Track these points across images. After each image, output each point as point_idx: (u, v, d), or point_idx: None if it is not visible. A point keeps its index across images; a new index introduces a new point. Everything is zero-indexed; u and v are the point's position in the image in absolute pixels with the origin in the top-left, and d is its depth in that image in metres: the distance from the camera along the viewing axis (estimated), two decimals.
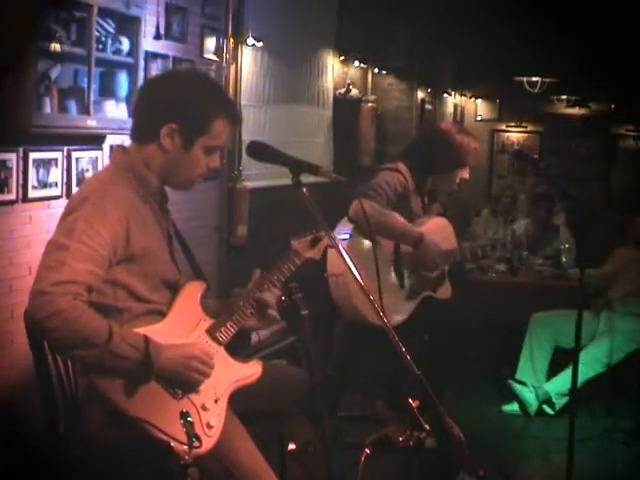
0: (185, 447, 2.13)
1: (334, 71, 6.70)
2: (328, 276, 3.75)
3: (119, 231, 2.24)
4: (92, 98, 3.41)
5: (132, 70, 3.69)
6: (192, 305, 2.43)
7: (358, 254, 3.51)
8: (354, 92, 7.00)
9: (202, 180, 2.48)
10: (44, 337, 2.19)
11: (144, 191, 2.38)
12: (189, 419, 2.18)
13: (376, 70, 7.69)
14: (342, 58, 6.78)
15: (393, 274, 3.87)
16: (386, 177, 3.84)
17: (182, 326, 2.38)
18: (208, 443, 2.26)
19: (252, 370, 2.49)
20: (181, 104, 2.35)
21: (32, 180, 3.26)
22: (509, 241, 5.08)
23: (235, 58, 4.93)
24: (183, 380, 2.26)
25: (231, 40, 4.82)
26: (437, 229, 4.03)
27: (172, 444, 2.16)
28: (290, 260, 2.61)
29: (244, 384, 2.44)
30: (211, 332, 2.42)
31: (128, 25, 3.65)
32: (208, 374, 2.31)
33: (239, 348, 2.52)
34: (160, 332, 2.28)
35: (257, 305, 2.51)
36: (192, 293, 2.45)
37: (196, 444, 2.14)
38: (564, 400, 4.83)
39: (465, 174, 3.98)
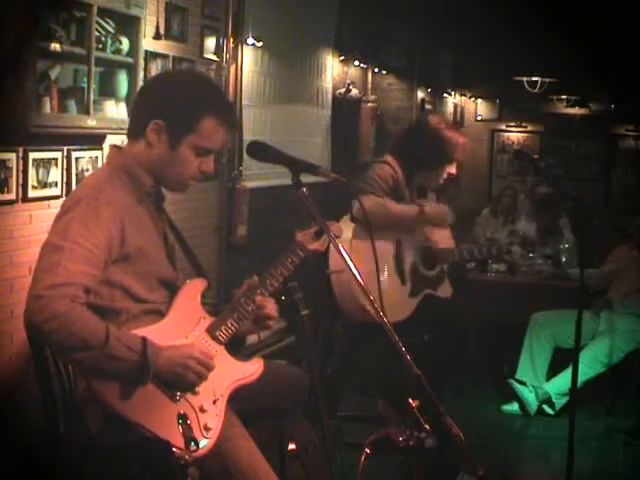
0: (182, 452, 2.12)
1: (334, 71, 6.70)
2: (330, 273, 3.75)
3: (113, 231, 2.23)
4: (92, 98, 3.41)
5: (132, 70, 3.69)
6: (192, 303, 2.42)
7: (359, 252, 3.52)
8: (354, 92, 7.00)
9: (194, 182, 2.45)
10: (42, 339, 2.19)
11: (138, 190, 2.37)
12: (187, 422, 2.17)
13: (376, 70, 7.69)
14: (342, 58, 6.78)
15: (395, 271, 3.87)
16: (377, 170, 3.86)
17: (182, 325, 2.37)
18: (206, 445, 2.25)
19: (253, 368, 2.47)
20: (168, 101, 2.34)
21: (32, 180, 3.26)
22: (513, 242, 5.08)
23: (235, 58, 4.93)
24: (181, 381, 2.25)
25: (231, 40, 4.82)
26: (435, 214, 4.05)
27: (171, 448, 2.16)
28: (294, 253, 2.57)
29: (245, 383, 2.44)
30: (211, 331, 2.41)
31: (128, 25, 3.65)
32: (206, 375, 2.29)
33: (235, 349, 2.51)
34: (160, 331, 2.28)
35: (257, 315, 2.50)
36: (192, 291, 2.44)
37: (193, 448, 2.13)
38: (564, 400, 4.83)
39: (452, 169, 3.98)
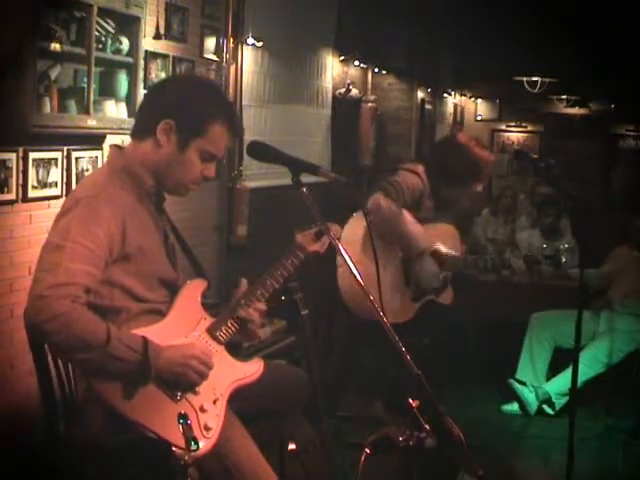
0: (182, 451, 2.12)
1: (334, 71, 6.70)
2: (338, 266, 3.74)
3: (114, 230, 2.23)
4: (92, 98, 3.41)
5: (132, 70, 3.69)
6: (192, 304, 2.43)
7: (369, 252, 3.51)
8: (354, 92, 7.00)
9: (196, 187, 2.46)
10: (43, 340, 2.18)
11: (139, 191, 2.37)
12: (187, 422, 2.17)
13: (376, 70, 7.69)
14: (342, 58, 6.79)
15: (401, 274, 3.87)
16: (406, 178, 3.84)
17: (182, 325, 2.37)
18: (206, 445, 2.26)
19: (253, 369, 2.48)
20: (180, 102, 2.35)
21: (32, 180, 3.26)
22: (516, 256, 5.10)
23: (235, 58, 4.93)
24: (182, 381, 2.26)
25: (231, 40, 4.82)
26: (444, 236, 4.04)
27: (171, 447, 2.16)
28: (294, 254, 2.59)
29: (245, 383, 2.44)
30: (211, 331, 2.41)
31: (128, 25, 3.64)
32: (206, 375, 2.30)
33: (234, 350, 2.52)
34: (160, 331, 2.28)
35: (240, 321, 2.48)
36: (192, 292, 2.44)
37: (194, 447, 2.13)
38: (564, 400, 4.84)
39: (480, 187, 3.99)
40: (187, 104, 2.35)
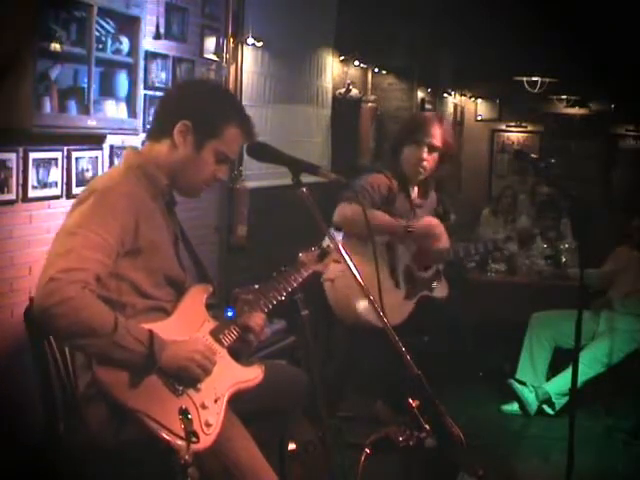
0: (183, 443, 2.13)
1: (334, 71, 6.70)
2: (323, 281, 3.75)
3: (128, 222, 2.26)
4: (92, 98, 3.41)
5: (132, 70, 3.69)
6: (197, 307, 2.45)
7: (352, 256, 3.51)
8: (354, 92, 7.00)
9: (207, 188, 2.51)
10: (50, 325, 2.14)
11: (153, 190, 2.41)
12: (188, 416, 2.18)
13: (376, 70, 7.69)
14: (342, 58, 6.78)
15: (387, 274, 3.86)
16: (369, 179, 3.84)
17: (186, 326, 2.39)
18: (206, 441, 2.27)
19: (253, 374, 2.50)
20: (197, 105, 2.41)
21: (32, 180, 3.26)
22: (510, 236, 5.07)
23: (235, 58, 4.93)
24: (185, 374, 2.27)
25: (231, 40, 4.82)
26: (428, 228, 4.02)
27: (169, 438, 2.16)
28: (297, 271, 2.69)
29: (244, 388, 2.45)
30: (214, 333, 2.43)
31: (128, 25, 3.64)
32: (210, 369, 2.32)
33: (238, 355, 2.54)
34: (164, 329, 2.29)
35: (242, 327, 2.52)
36: (197, 295, 2.47)
37: (194, 440, 2.14)
38: (564, 400, 4.84)
39: (422, 154, 3.82)
40: (204, 106, 2.41)
